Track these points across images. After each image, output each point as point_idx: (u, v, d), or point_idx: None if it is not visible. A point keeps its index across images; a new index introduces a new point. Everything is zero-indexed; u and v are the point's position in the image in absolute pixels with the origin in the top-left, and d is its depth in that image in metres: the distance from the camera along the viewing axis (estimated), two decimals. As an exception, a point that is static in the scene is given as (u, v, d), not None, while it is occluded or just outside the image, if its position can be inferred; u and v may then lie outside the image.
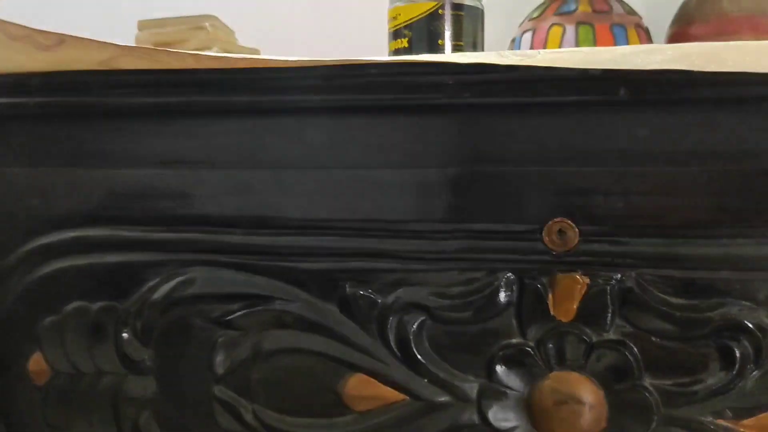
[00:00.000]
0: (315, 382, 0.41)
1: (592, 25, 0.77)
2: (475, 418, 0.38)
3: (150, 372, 0.43)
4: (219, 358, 0.42)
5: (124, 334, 0.43)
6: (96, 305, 0.44)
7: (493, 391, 0.38)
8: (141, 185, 0.43)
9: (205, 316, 0.42)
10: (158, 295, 0.43)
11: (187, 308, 0.42)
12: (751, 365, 0.34)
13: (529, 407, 0.37)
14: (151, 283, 0.43)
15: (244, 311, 0.41)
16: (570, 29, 0.77)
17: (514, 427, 0.38)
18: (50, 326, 0.44)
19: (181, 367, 0.43)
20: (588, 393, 0.36)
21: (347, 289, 0.40)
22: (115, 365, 0.43)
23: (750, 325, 0.34)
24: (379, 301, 0.39)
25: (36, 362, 0.45)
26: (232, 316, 0.42)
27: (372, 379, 0.40)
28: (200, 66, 0.38)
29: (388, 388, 0.39)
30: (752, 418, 0.35)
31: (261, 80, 0.39)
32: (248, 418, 0.41)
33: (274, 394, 0.41)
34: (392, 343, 0.39)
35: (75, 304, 0.44)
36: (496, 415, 0.38)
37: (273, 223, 0.41)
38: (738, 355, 0.34)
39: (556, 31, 0.77)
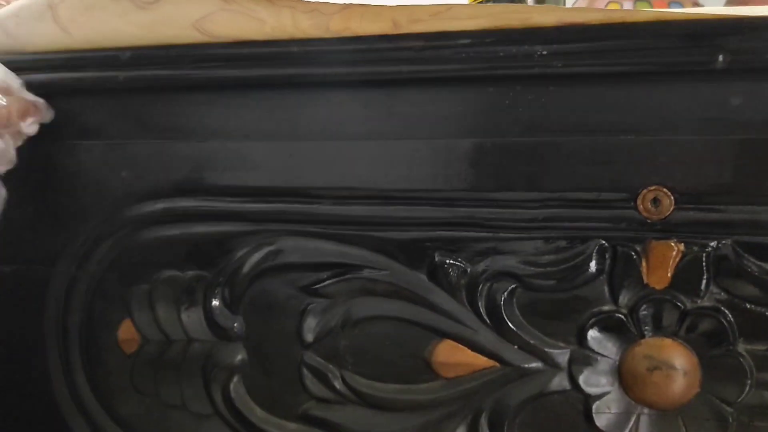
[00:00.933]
0: (403, 348, 0.41)
1: (649, 2, 0.77)
2: (566, 383, 0.39)
3: (239, 339, 0.44)
4: (308, 326, 0.43)
5: (214, 302, 0.44)
6: (186, 274, 0.45)
7: (585, 357, 0.38)
8: (229, 157, 0.43)
9: (293, 284, 0.43)
10: (247, 264, 0.44)
11: (276, 277, 0.43)
12: None
13: (620, 373, 0.38)
14: (240, 253, 0.44)
15: (333, 280, 0.42)
16: (628, 6, 0.76)
17: (606, 393, 0.38)
18: (141, 294, 0.45)
19: (270, 335, 0.44)
20: (682, 359, 0.37)
21: (437, 258, 0.40)
22: (205, 333, 0.45)
23: None
24: (469, 269, 0.40)
25: (126, 330, 0.46)
26: (320, 285, 0.42)
27: (461, 346, 0.40)
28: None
29: (477, 355, 0.40)
30: None
31: (348, 52, 0.40)
32: (337, 384, 0.42)
33: (363, 361, 0.42)
34: (482, 310, 0.40)
35: (165, 272, 0.45)
36: (588, 380, 0.38)
37: (361, 194, 0.41)
38: (835, 320, 0.35)
39: (613, 8, 0.77)
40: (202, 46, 0.42)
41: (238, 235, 0.44)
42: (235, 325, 0.44)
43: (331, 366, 0.43)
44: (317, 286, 0.42)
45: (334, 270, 0.42)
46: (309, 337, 0.43)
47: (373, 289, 0.42)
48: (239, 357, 0.44)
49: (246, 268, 0.44)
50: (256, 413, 0.44)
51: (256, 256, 0.43)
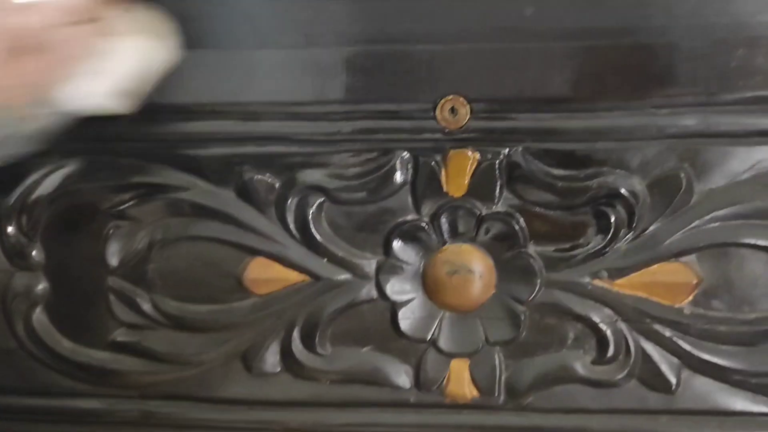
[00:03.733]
0: (215, 268, 0.41)
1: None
2: (374, 292, 0.40)
3: (39, 267, 0.42)
4: (112, 250, 0.41)
5: (9, 229, 0.41)
6: (-25, 202, 0.41)
7: (390, 266, 0.39)
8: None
9: (94, 207, 0.41)
10: (42, 187, 0.41)
11: (75, 199, 0.41)
12: (625, 229, 0.37)
13: (424, 279, 0.39)
14: (34, 176, 0.41)
15: (137, 201, 0.40)
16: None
17: (411, 299, 0.39)
18: (-76, 224, 0.42)
19: (72, 261, 0.42)
20: (478, 262, 0.38)
21: (244, 175, 0.40)
22: (2, 262, 0.42)
23: (624, 192, 0.37)
24: (277, 184, 0.39)
25: None
26: (123, 206, 0.41)
27: (272, 262, 0.40)
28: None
29: (289, 270, 0.40)
30: (624, 278, 0.38)
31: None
32: (146, 308, 0.41)
33: (172, 283, 0.41)
34: (291, 226, 0.40)
35: (-49, 200, 0.41)
36: (393, 288, 0.39)
37: (162, 109, 0.39)
38: (613, 220, 0.37)
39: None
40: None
41: (31, 157, 0.40)
42: (34, 252, 0.42)
43: (138, 290, 0.41)
44: (120, 207, 0.41)
45: (137, 190, 0.40)
46: (114, 261, 0.41)
47: (180, 209, 0.40)
48: (41, 286, 0.42)
49: (41, 191, 0.41)
50: (63, 344, 0.42)
51: (52, 178, 0.41)
